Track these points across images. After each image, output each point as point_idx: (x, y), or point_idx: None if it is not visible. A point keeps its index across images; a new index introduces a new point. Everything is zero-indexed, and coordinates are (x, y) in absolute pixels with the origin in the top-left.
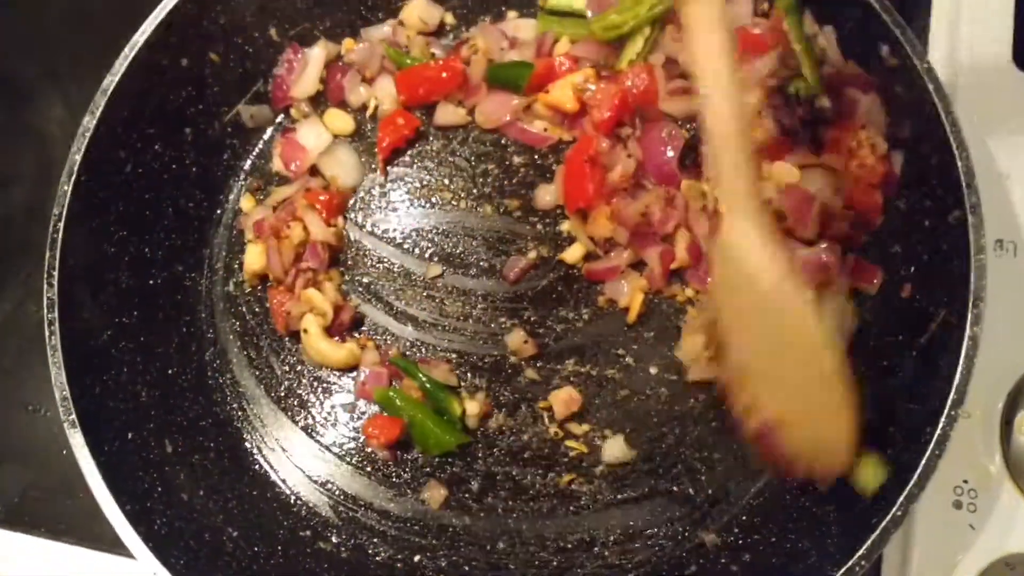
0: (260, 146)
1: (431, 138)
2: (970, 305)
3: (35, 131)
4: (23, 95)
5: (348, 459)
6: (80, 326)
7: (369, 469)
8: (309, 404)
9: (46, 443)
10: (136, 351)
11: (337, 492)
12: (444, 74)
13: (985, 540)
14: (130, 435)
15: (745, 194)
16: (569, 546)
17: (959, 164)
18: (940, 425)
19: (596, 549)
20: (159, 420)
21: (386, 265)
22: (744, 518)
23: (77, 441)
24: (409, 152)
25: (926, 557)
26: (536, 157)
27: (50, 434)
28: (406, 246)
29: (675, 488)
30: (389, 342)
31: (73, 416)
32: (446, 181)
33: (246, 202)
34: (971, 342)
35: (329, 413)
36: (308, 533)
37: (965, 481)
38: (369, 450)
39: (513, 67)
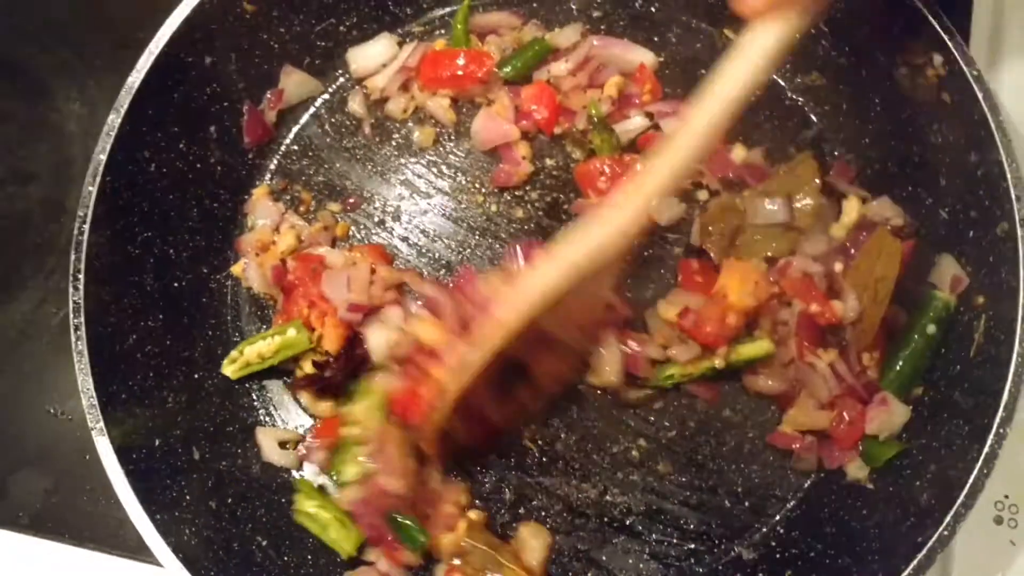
0: (285, 145)
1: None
2: (1019, 320)
3: (52, 127)
4: (39, 90)
5: None
6: (106, 330)
7: None
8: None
9: (68, 447)
10: (162, 355)
11: None
12: (469, 64)
13: None
14: (157, 442)
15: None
16: (603, 558)
17: (1008, 174)
18: (988, 443)
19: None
20: (186, 426)
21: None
22: (781, 531)
23: (105, 449)
24: None
25: (965, 574)
26: None
27: (72, 438)
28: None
29: (711, 501)
30: None
31: (101, 424)
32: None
33: (259, 191)
34: (1020, 359)
35: None
36: None
37: (1006, 496)
38: None
39: None
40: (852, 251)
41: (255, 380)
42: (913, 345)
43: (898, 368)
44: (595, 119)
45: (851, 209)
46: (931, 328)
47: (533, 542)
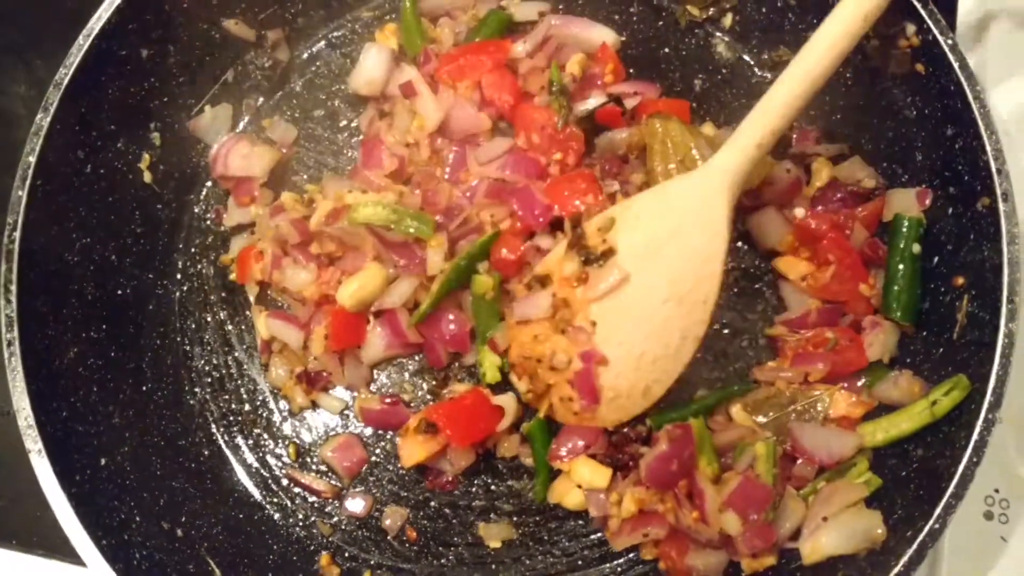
0: None
1: None
2: (1004, 300)
3: None
4: None
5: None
6: (44, 345)
7: (362, 488)
8: (297, 420)
9: (15, 448)
10: (106, 368)
11: (330, 511)
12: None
13: (1018, 553)
14: (103, 461)
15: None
16: None
17: (988, 147)
18: (977, 430)
19: None
20: (134, 443)
21: None
22: None
23: (44, 471)
24: None
25: (955, 572)
26: None
27: (20, 439)
28: None
29: None
30: None
31: (40, 446)
32: None
33: None
34: (1007, 340)
35: (320, 431)
36: (299, 558)
37: (996, 490)
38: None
39: None
40: (819, 207)
41: (208, 390)
42: (902, 269)
43: (895, 292)
44: (555, 86)
45: (821, 172)
46: (915, 248)
47: None
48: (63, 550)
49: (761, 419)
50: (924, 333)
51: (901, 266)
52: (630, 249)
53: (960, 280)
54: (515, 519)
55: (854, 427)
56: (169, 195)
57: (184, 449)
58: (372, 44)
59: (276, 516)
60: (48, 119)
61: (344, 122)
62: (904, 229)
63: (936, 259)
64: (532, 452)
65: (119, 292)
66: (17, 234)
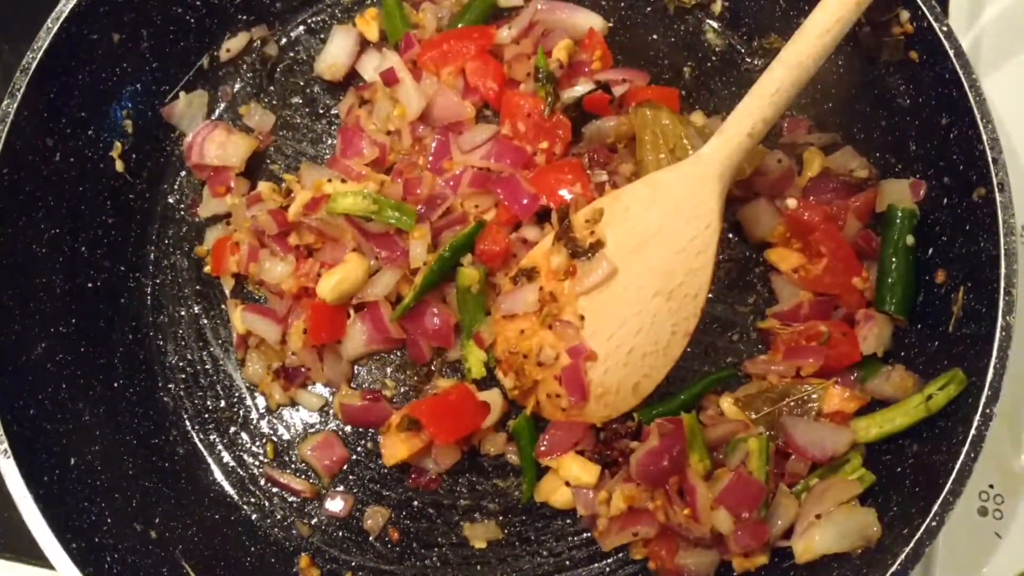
0: None
1: None
2: (1001, 292)
3: None
4: None
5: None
6: (9, 339)
7: (342, 487)
8: (274, 417)
9: None
10: (76, 364)
11: (310, 511)
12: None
13: (1012, 549)
14: (72, 461)
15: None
16: None
17: (983, 136)
18: (975, 424)
19: None
20: (105, 441)
21: None
22: None
23: (11, 472)
24: None
25: (949, 568)
26: None
27: None
28: None
29: None
30: None
31: (5, 444)
32: None
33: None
34: (1004, 332)
35: (299, 428)
36: (278, 560)
37: (991, 486)
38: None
39: None
40: (811, 198)
41: (183, 387)
42: (896, 261)
43: (889, 285)
44: (541, 72)
45: (813, 162)
46: (909, 239)
47: None
48: (32, 553)
49: (753, 415)
50: (918, 326)
51: (895, 258)
52: (619, 241)
53: (955, 272)
54: (501, 519)
55: (847, 422)
56: (142, 184)
57: (157, 448)
58: (339, 27)
59: (254, 517)
60: (15, 105)
61: (323, 109)
62: (898, 220)
63: (931, 251)
64: (518, 449)
65: (89, 285)
66: None
